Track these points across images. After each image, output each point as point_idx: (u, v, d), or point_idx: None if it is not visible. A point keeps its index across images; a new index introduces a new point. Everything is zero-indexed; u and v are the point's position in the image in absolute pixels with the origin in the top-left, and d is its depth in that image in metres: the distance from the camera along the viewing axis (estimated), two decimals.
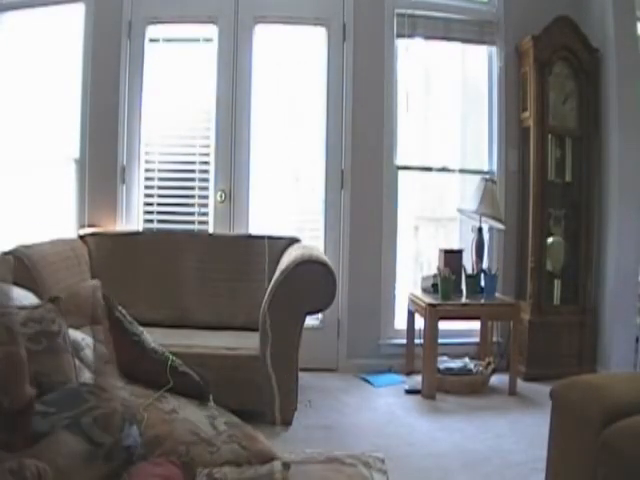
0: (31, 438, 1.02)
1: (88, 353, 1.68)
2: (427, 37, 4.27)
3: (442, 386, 3.73)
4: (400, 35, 4.21)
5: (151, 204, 4.15)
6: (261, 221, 4.16)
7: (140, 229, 4.09)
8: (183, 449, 1.37)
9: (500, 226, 4.16)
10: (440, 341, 3.67)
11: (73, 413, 1.10)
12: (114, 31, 4.06)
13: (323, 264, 3.15)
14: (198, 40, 4.18)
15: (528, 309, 4.05)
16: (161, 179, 4.15)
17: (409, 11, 4.20)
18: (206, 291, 3.68)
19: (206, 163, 4.15)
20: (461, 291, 3.99)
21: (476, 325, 4.18)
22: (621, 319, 3.99)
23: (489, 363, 3.90)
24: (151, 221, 4.15)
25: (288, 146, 4.22)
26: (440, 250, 4.11)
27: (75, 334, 1.75)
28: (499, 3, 4.30)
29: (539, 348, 4.01)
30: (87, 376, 1.50)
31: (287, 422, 3.12)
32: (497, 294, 3.99)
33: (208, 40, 4.14)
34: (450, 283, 3.84)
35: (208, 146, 4.15)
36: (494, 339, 4.23)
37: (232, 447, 1.44)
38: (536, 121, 4.07)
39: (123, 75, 4.07)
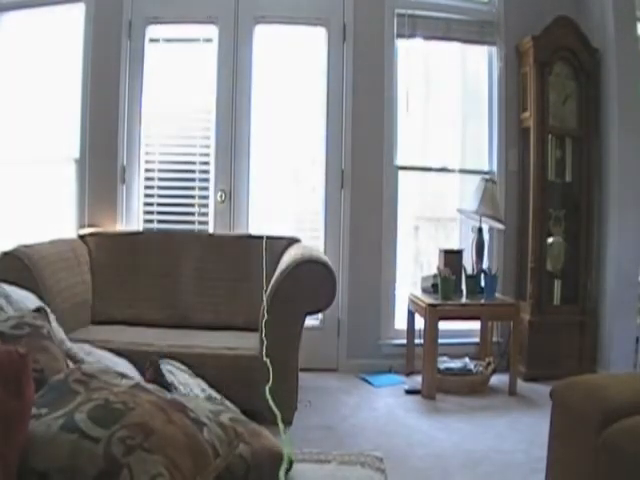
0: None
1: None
2: (427, 37, 4.27)
3: (442, 386, 3.72)
4: (400, 35, 4.21)
5: (151, 204, 4.15)
6: (261, 221, 4.16)
7: (140, 229, 4.09)
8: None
9: (500, 226, 4.16)
10: (440, 341, 3.67)
11: (66, 410, 1.08)
12: (114, 31, 4.07)
13: (323, 264, 3.16)
14: (198, 40, 4.18)
15: (528, 309, 4.05)
16: (161, 179, 4.15)
17: (409, 11, 4.20)
18: (206, 291, 3.68)
19: (206, 163, 4.15)
20: (461, 291, 3.99)
21: (476, 325, 4.18)
22: (621, 319, 3.99)
23: (489, 363, 3.90)
24: (151, 221, 4.15)
25: (288, 146, 4.22)
26: (440, 250, 4.10)
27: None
28: (499, 3, 4.30)
29: (539, 348, 4.01)
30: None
31: (287, 422, 3.12)
32: (497, 294, 3.99)
33: (208, 40, 4.14)
34: (450, 283, 3.83)
35: (208, 146, 4.15)
36: (494, 339, 4.23)
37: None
38: (536, 121, 4.07)
39: (123, 75, 4.08)
